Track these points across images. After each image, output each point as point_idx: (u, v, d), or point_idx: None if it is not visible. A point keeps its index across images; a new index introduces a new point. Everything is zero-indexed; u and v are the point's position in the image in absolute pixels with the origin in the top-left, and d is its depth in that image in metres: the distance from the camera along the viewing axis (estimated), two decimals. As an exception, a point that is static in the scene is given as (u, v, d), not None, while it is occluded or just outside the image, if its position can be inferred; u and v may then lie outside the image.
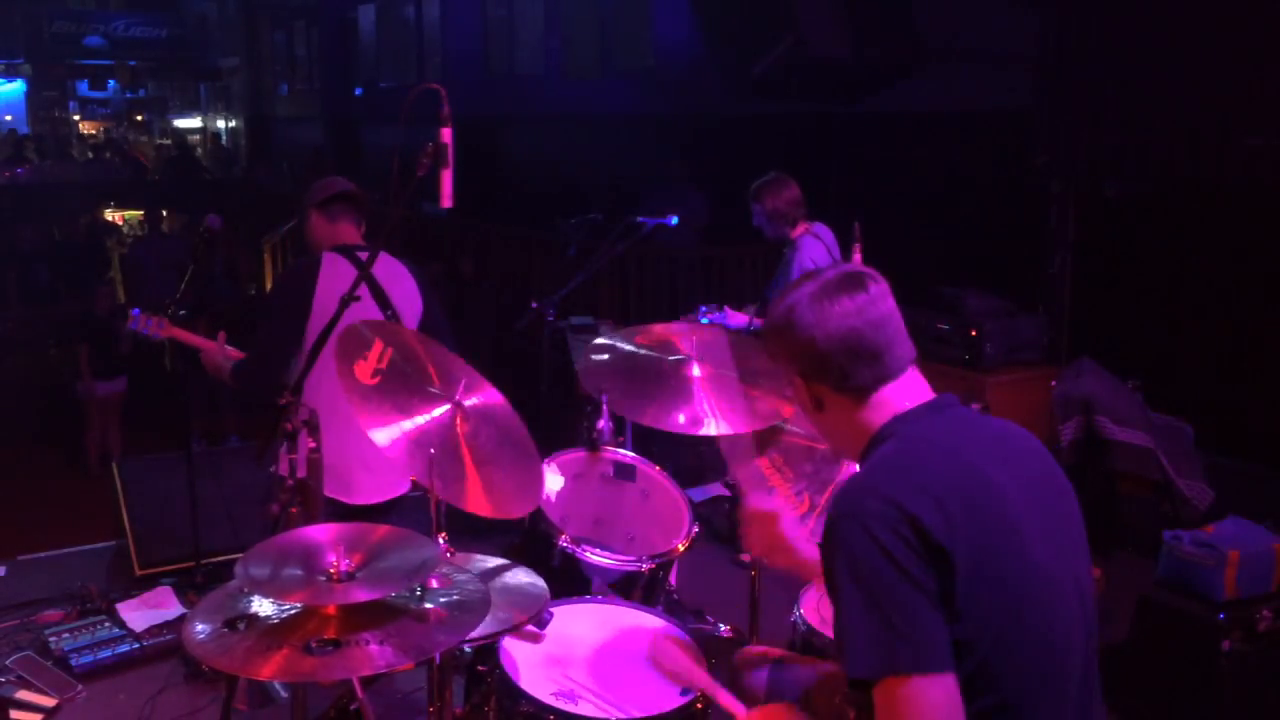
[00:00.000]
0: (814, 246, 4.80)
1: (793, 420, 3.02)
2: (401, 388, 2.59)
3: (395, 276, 3.54)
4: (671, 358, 3.24)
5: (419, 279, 3.61)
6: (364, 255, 3.40)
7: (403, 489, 3.47)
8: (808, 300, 1.78)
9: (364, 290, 3.32)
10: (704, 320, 4.99)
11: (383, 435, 2.50)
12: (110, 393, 8.26)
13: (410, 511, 4.66)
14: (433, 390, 2.62)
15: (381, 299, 3.45)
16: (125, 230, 17.70)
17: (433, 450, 2.47)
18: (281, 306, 3.50)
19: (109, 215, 18.21)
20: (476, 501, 2.53)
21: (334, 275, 3.39)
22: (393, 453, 2.50)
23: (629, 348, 3.30)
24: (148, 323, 3.75)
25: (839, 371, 1.76)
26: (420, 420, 2.56)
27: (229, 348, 3.63)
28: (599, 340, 3.39)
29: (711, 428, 3.05)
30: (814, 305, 1.77)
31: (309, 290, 3.37)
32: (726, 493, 5.27)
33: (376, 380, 2.56)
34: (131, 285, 11.94)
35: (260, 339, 3.52)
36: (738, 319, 4.88)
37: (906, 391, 1.77)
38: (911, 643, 1.50)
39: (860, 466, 1.79)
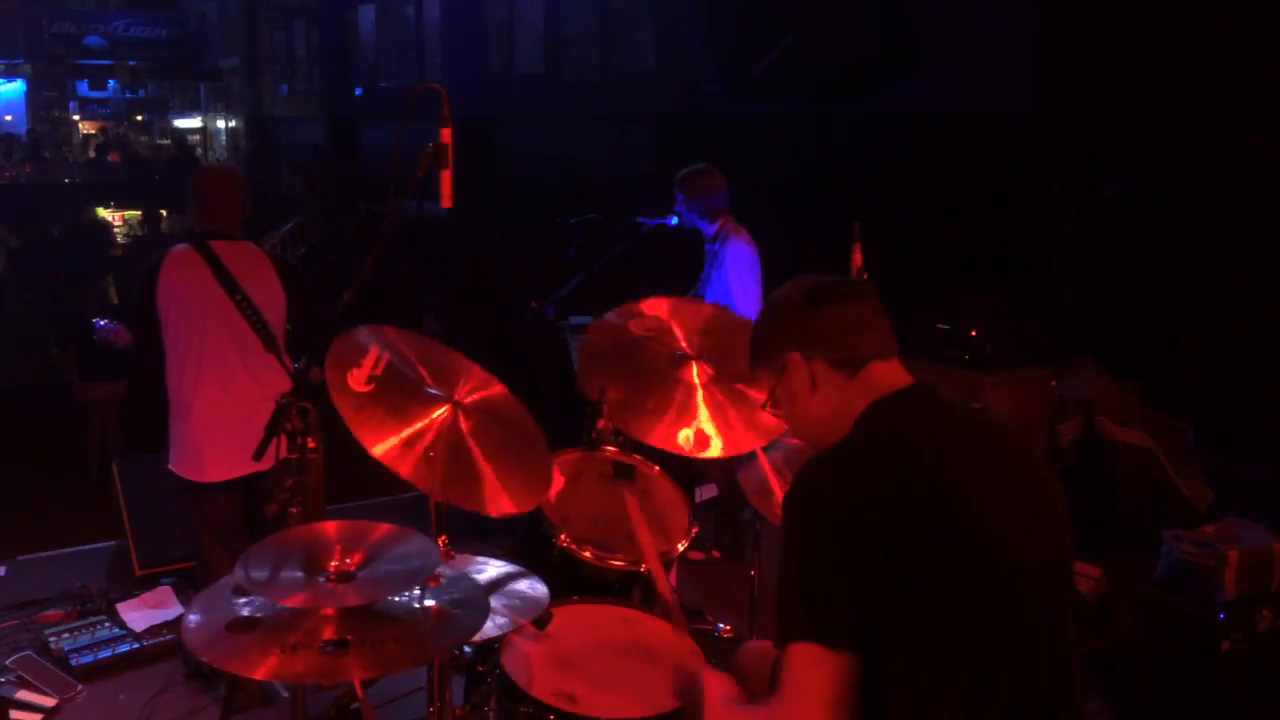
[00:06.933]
0: (740, 236, 4.87)
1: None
2: (397, 391, 2.58)
3: (253, 265, 3.73)
4: (678, 353, 3.19)
5: (284, 271, 3.79)
6: (218, 245, 3.67)
7: (260, 466, 3.47)
8: (808, 281, 1.91)
9: (210, 277, 3.62)
10: None
11: (379, 448, 2.50)
12: (107, 394, 8.21)
13: (411, 512, 4.67)
14: (430, 392, 2.62)
15: (230, 285, 3.63)
16: (124, 230, 17.68)
17: (431, 454, 2.47)
18: (134, 311, 3.79)
19: (106, 214, 18.19)
20: (493, 501, 2.55)
21: (178, 267, 3.65)
22: (389, 461, 2.50)
23: (626, 336, 3.23)
24: (111, 329, 3.92)
25: (839, 340, 1.83)
26: (419, 425, 2.56)
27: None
28: (596, 322, 3.32)
29: (715, 449, 3.01)
30: (814, 284, 1.90)
31: (150, 290, 3.65)
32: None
33: (371, 387, 2.55)
34: (124, 286, 11.91)
35: (131, 346, 3.81)
36: None
37: (893, 374, 1.85)
38: (822, 617, 1.61)
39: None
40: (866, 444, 1.75)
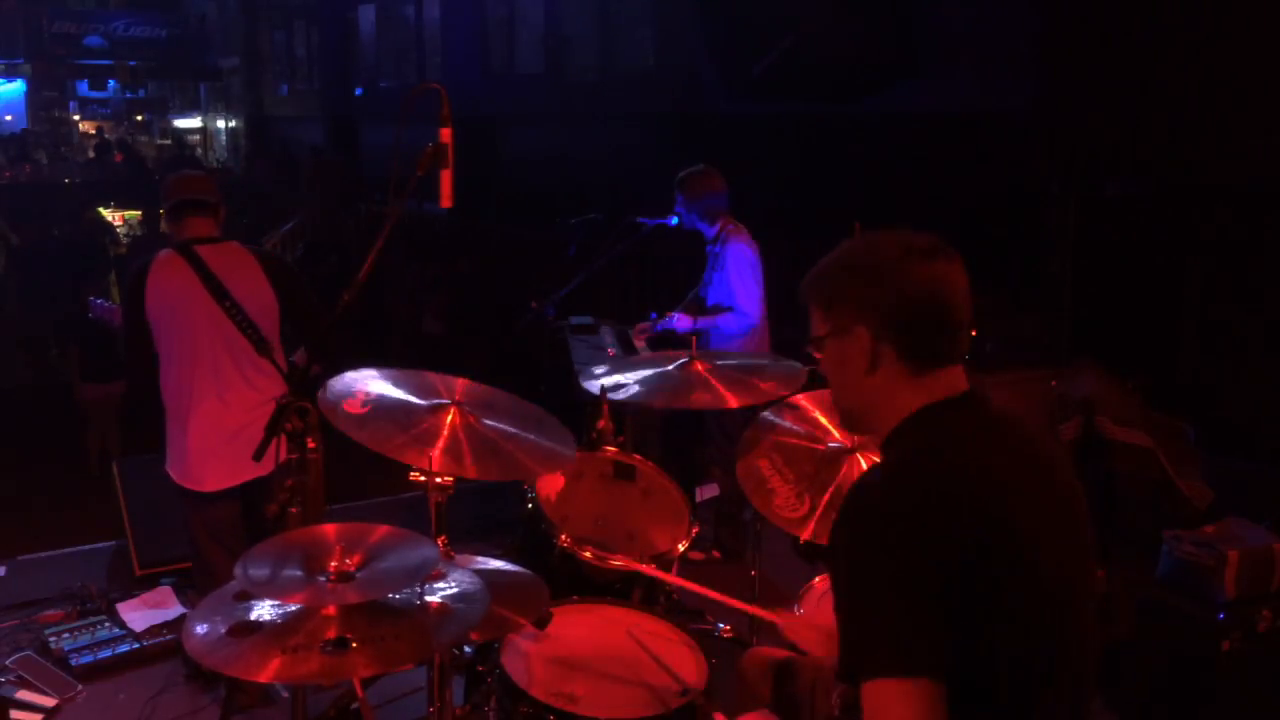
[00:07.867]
0: (741, 237, 4.86)
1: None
2: (398, 406, 2.70)
3: (239, 267, 3.65)
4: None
5: (273, 270, 3.71)
6: (203, 249, 3.61)
7: (259, 472, 3.42)
8: (899, 254, 1.69)
9: (198, 284, 3.55)
10: (658, 329, 5.09)
11: (415, 457, 2.57)
12: (107, 394, 8.21)
13: (411, 512, 4.67)
14: (428, 401, 2.69)
15: (218, 291, 3.57)
16: (125, 230, 17.66)
17: (433, 452, 2.49)
18: (124, 316, 3.74)
19: (108, 215, 18.16)
20: (531, 469, 2.74)
21: (165, 275, 3.58)
22: (438, 467, 2.58)
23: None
24: (107, 307, 3.92)
25: (916, 335, 1.67)
26: (442, 432, 2.65)
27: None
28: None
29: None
30: (906, 259, 1.68)
31: (139, 297, 3.58)
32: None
33: (368, 409, 2.65)
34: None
35: (123, 351, 3.78)
36: (683, 322, 4.95)
37: (954, 380, 1.72)
38: (902, 646, 1.49)
39: (881, 453, 1.75)
40: (921, 461, 1.64)
